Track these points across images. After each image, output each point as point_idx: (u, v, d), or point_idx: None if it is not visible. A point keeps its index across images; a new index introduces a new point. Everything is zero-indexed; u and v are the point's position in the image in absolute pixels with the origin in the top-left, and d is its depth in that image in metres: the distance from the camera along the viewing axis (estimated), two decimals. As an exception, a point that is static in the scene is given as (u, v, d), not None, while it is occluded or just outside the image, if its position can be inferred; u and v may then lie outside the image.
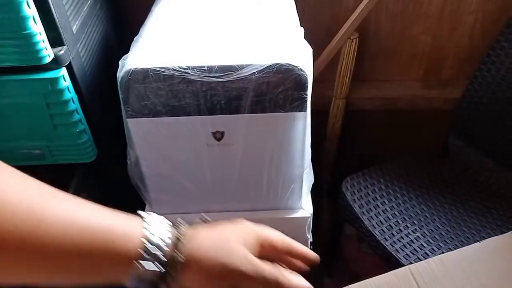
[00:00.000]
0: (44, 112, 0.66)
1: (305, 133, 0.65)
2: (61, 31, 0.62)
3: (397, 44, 1.03)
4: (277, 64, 0.57)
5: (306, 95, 0.60)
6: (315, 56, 0.99)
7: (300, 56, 0.59)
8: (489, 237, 0.85)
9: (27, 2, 0.55)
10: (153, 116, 0.60)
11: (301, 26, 0.71)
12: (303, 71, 0.58)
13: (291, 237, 0.78)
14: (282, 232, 0.76)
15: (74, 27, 0.68)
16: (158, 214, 0.62)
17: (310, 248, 0.86)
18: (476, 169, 1.03)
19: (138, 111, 0.59)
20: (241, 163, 0.67)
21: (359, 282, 0.80)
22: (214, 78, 0.57)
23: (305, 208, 0.75)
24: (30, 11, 0.56)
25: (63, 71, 0.64)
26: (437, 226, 0.91)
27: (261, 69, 0.57)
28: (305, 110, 0.61)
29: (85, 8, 0.73)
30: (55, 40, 0.62)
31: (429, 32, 1.01)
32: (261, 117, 0.61)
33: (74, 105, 0.67)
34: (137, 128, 0.62)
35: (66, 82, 0.64)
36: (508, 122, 0.95)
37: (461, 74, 1.07)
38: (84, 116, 0.70)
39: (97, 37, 0.79)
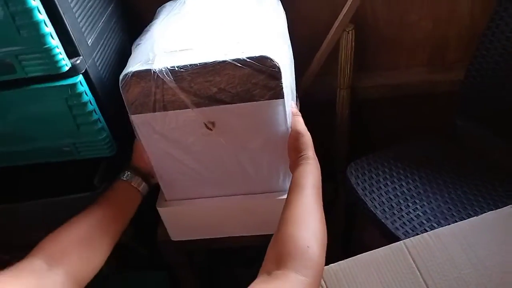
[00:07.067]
0: (68, 114, 0.79)
1: (286, 118, 0.72)
2: (76, 44, 0.74)
3: (397, 32, 1.06)
4: (252, 57, 0.65)
5: (281, 83, 0.67)
6: (317, 50, 1.06)
7: (272, 50, 0.67)
8: (492, 214, 0.86)
9: (44, 22, 0.67)
10: (151, 112, 0.70)
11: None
12: (274, 62, 0.65)
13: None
14: (277, 215, 0.83)
15: (90, 40, 0.80)
16: (171, 200, 0.83)
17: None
18: (483, 147, 1.04)
19: (137, 108, 0.70)
20: (234, 150, 0.75)
21: (355, 256, 0.85)
22: (197, 74, 0.66)
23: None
24: (48, 29, 0.68)
25: (80, 78, 0.75)
26: (439, 205, 0.94)
27: (238, 63, 0.65)
28: (282, 97, 0.68)
29: (100, 24, 0.86)
30: (72, 52, 0.74)
31: (427, 17, 1.04)
32: (242, 107, 0.69)
33: (92, 106, 0.79)
34: (139, 123, 0.72)
35: (83, 87, 0.76)
36: (509, 99, 0.96)
37: (467, 55, 1.08)
38: (102, 116, 0.82)
39: (113, 47, 0.91)
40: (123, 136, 0.87)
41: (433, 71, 1.11)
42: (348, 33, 1.00)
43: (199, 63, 0.66)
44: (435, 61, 1.11)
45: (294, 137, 0.73)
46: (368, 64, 1.12)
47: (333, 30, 1.00)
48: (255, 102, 0.69)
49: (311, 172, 0.67)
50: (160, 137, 0.74)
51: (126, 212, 0.76)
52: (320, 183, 0.68)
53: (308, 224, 0.60)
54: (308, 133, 0.73)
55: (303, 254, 0.54)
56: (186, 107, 0.69)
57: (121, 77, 0.68)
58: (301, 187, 0.65)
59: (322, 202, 0.65)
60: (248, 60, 0.65)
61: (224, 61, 0.65)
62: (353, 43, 1.01)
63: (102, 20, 0.87)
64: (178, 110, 0.70)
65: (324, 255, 0.58)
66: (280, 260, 0.54)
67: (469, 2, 1.00)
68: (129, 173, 0.79)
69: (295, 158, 0.72)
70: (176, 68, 0.66)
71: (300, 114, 0.76)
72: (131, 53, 0.76)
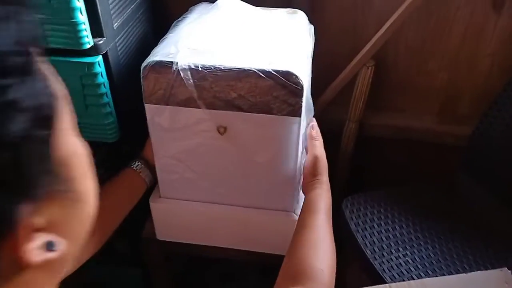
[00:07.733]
0: (79, 92, 0.77)
1: (299, 137, 0.71)
2: (102, 25, 0.73)
3: (414, 77, 1.08)
4: (277, 70, 0.65)
5: (301, 102, 0.67)
6: (333, 80, 1.06)
7: (299, 67, 0.67)
8: (480, 272, 0.85)
9: (77, -4, 0.67)
10: (166, 104, 0.69)
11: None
12: (299, 79, 0.65)
13: (279, 239, 0.84)
14: (271, 234, 0.82)
15: (116, 24, 0.79)
16: (166, 197, 0.81)
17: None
18: (480, 206, 1.04)
19: (153, 98, 0.69)
20: (240, 159, 0.74)
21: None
22: (220, 77, 0.65)
23: (297, 213, 0.80)
24: (78, 3, 0.67)
25: (99, 58, 0.74)
26: (429, 255, 0.93)
27: (262, 74, 0.65)
28: (299, 116, 0.68)
29: (128, 11, 0.85)
30: (97, 32, 0.73)
31: (446, 70, 1.05)
32: (258, 117, 0.68)
33: (105, 89, 0.77)
34: (151, 113, 0.71)
35: (100, 68, 0.75)
36: (513, 164, 0.97)
37: (478, 113, 1.09)
38: (112, 100, 0.80)
39: (136, 36, 0.90)
40: (127, 125, 0.85)
41: (442, 122, 1.12)
42: (368, 68, 1.00)
43: (223, 67, 0.65)
44: (446, 112, 1.12)
45: (312, 162, 0.74)
46: (380, 102, 1.12)
47: (353, 63, 1.00)
48: (272, 115, 0.68)
49: (324, 197, 0.70)
50: (169, 131, 0.73)
51: (128, 203, 0.78)
52: (331, 209, 0.70)
53: (322, 248, 0.63)
54: (325, 158, 0.75)
55: (318, 275, 0.57)
56: (201, 107, 0.69)
57: (143, 65, 0.67)
58: (316, 211, 0.67)
59: (332, 228, 0.67)
60: (273, 72, 0.65)
61: (249, 69, 0.65)
62: (371, 79, 1.02)
63: (131, 7, 0.87)
64: (193, 108, 0.69)
65: (334, 280, 0.60)
66: (296, 278, 0.57)
67: (489, 61, 1.02)
68: (139, 163, 0.81)
69: (309, 180, 0.73)
70: (200, 68, 0.65)
71: (318, 138, 0.77)
72: (152, 45, 0.76)
